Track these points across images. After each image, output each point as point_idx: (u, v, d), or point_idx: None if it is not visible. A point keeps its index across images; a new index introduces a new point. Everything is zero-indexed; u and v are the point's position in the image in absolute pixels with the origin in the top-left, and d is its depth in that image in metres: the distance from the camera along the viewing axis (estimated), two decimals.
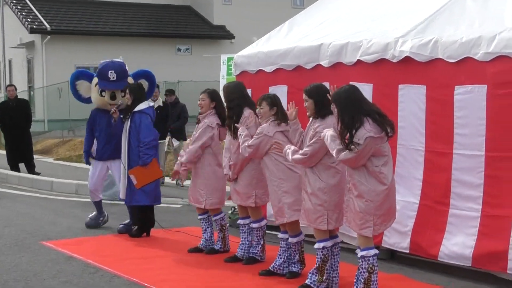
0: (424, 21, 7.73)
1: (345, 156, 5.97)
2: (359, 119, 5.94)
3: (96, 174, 9.94)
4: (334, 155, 6.09)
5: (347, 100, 6.04)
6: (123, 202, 9.77)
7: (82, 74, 10.13)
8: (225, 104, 7.96)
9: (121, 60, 9.99)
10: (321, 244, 6.62)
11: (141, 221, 9.40)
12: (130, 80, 9.81)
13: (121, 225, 9.79)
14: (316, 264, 6.66)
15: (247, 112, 7.59)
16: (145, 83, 10.05)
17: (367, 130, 5.90)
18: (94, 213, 10.21)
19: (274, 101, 7.19)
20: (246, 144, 7.19)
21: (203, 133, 8.14)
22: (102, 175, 10.01)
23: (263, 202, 7.82)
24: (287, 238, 7.25)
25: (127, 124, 9.16)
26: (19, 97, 17.37)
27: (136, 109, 9.11)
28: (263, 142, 7.10)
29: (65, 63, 27.40)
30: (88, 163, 10.15)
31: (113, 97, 9.66)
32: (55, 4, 30.95)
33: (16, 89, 17.14)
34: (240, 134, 7.35)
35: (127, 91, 9.22)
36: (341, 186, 6.45)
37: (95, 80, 9.82)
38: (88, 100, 10.08)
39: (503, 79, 6.65)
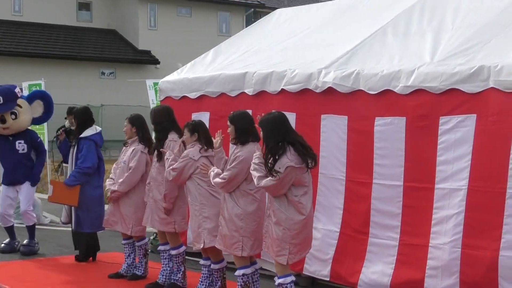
0: (346, 54, 7.92)
1: (265, 183, 6.07)
2: (282, 147, 6.05)
3: (5, 198, 9.78)
4: (256, 182, 6.17)
5: (273, 126, 6.18)
6: (43, 227, 9.62)
7: None
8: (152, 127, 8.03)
9: (16, 87, 9.84)
10: (241, 271, 6.67)
11: (87, 247, 9.25)
12: (21, 101, 9.70)
13: (3, 244, 9.77)
14: None
15: (172, 136, 7.63)
16: (40, 104, 10.00)
17: (289, 159, 6.00)
18: (8, 239, 9.95)
19: (194, 128, 7.24)
20: (171, 168, 7.20)
21: (140, 161, 8.13)
22: (12, 200, 9.83)
23: (181, 229, 7.84)
24: (209, 265, 7.27)
25: (73, 150, 9.06)
26: None
27: (83, 135, 8.99)
28: (188, 165, 7.13)
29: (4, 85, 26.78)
30: None
31: (3, 120, 9.56)
32: None
33: None
34: (166, 158, 7.35)
35: (72, 116, 9.12)
36: (259, 214, 6.53)
37: None
38: None
39: (421, 112, 6.86)
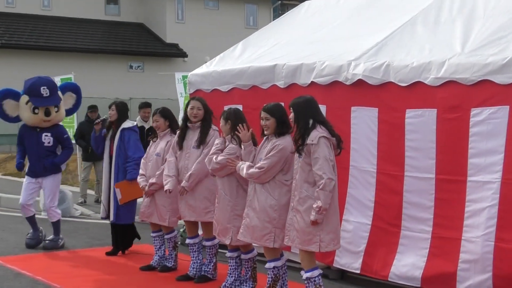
0: (376, 45, 7.88)
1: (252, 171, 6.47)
2: (313, 125, 6.17)
3: (27, 189, 9.78)
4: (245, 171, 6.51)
5: (305, 107, 6.28)
6: (74, 219, 9.66)
7: (8, 93, 9.87)
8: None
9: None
10: (272, 264, 6.67)
11: (120, 239, 9.30)
12: (60, 94, 9.79)
13: (27, 239, 9.78)
14: (267, 283, 6.71)
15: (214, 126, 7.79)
16: (72, 96, 10.06)
17: (319, 132, 6.13)
18: (31, 232, 9.92)
19: (227, 116, 7.17)
20: (215, 159, 7.10)
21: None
22: (34, 191, 9.81)
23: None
24: (236, 256, 7.27)
25: (115, 141, 9.05)
26: None
27: (125, 126, 9.03)
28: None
29: (15, 77, 26.91)
30: (20, 169, 10.01)
31: (47, 113, 9.58)
32: (6, 18, 30.59)
33: None
34: (216, 144, 7.27)
35: (113, 107, 9.12)
36: (289, 205, 6.50)
37: (25, 98, 9.64)
38: (15, 119, 9.89)
39: (452, 104, 6.81)
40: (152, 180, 8.19)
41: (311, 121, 6.22)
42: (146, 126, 11.93)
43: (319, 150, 6.08)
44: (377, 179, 7.47)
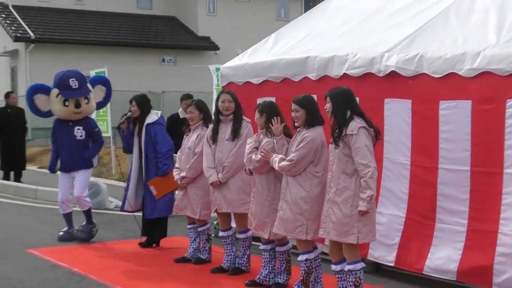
0: (409, 36, 7.83)
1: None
2: (351, 116, 6.19)
3: (63, 185, 9.89)
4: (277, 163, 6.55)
5: (343, 98, 6.29)
6: (108, 211, 9.73)
7: (39, 88, 10.00)
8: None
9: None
10: (305, 256, 6.68)
11: (157, 232, 9.37)
12: (89, 86, 9.88)
13: (61, 233, 9.89)
14: (301, 276, 6.72)
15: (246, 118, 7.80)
16: (102, 89, 10.12)
17: (358, 122, 6.15)
18: (66, 227, 10.01)
19: (262, 109, 7.15)
20: (254, 157, 7.05)
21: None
22: (70, 185, 9.89)
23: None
24: (270, 249, 7.28)
25: (142, 137, 9.08)
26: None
27: (149, 121, 9.06)
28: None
29: (49, 71, 27.01)
30: (52, 171, 10.22)
31: (77, 105, 9.68)
32: (39, 12, 30.89)
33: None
34: (249, 142, 7.26)
35: (133, 102, 9.15)
36: (323, 198, 6.49)
37: (55, 91, 9.75)
38: (47, 114, 10.01)
39: (487, 95, 6.74)
40: (183, 174, 8.24)
41: (348, 112, 6.22)
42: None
43: (359, 140, 6.08)
44: (411, 171, 7.43)
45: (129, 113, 9.18)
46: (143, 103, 9.20)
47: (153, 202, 9.07)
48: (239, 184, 7.69)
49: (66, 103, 9.67)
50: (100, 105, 10.49)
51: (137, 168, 9.22)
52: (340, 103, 6.26)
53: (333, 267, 6.41)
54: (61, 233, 9.98)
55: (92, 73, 17.50)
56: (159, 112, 9.32)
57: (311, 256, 6.70)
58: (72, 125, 9.80)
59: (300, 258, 6.70)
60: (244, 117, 7.82)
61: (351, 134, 6.10)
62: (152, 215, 9.14)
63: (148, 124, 9.05)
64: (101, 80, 10.35)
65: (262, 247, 7.35)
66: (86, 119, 9.91)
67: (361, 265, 6.26)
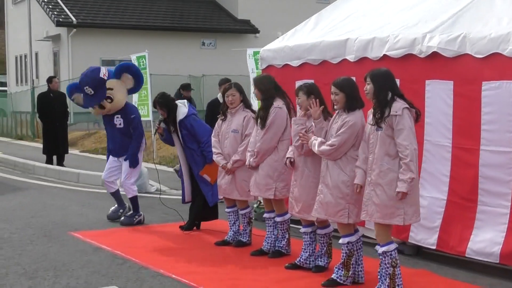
0: (452, 17, 7.71)
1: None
2: (393, 98, 6.16)
3: (109, 165, 10.05)
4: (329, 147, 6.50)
5: (385, 80, 6.25)
6: (149, 195, 9.76)
7: (73, 89, 10.12)
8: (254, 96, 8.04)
9: (101, 69, 9.88)
10: (346, 239, 6.66)
11: (200, 216, 9.43)
12: (111, 83, 9.72)
13: (110, 212, 10.10)
14: (342, 259, 6.70)
15: (277, 103, 7.72)
16: (128, 77, 9.99)
17: (402, 103, 6.12)
18: (115, 206, 10.24)
19: (309, 90, 7.12)
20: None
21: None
22: (115, 168, 10.01)
23: (283, 196, 7.79)
24: (310, 232, 7.27)
25: (178, 133, 9.12)
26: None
27: (181, 117, 9.04)
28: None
29: (91, 56, 27.59)
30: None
31: (101, 106, 9.78)
32: None
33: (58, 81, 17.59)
34: (298, 124, 7.14)
35: (157, 106, 9.15)
36: (364, 181, 6.44)
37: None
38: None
39: None
40: (236, 157, 8.15)
41: (390, 94, 6.17)
42: None
43: (403, 121, 6.04)
44: (452, 153, 7.34)
45: (160, 117, 9.24)
46: (166, 102, 9.18)
47: (210, 189, 9.14)
48: (266, 170, 7.70)
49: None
50: (133, 90, 10.42)
51: (185, 162, 9.29)
52: (381, 84, 6.21)
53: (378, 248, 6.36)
54: (110, 211, 10.23)
55: (134, 58, 17.58)
56: (185, 102, 9.33)
57: (352, 239, 6.67)
58: (112, 114, 9.90)
59: (341, 241, 6.68)
60: (275, 101, 7.75)
61: (394, 115, 6.05)
62: (213, 200, 9.22)
63: (181, 120, 9.06)
64: (125, 68, 10.09)
65: (302, 229, 7.34)
66: (124, 107, 9.92)
67: (394, 245, 6.24)
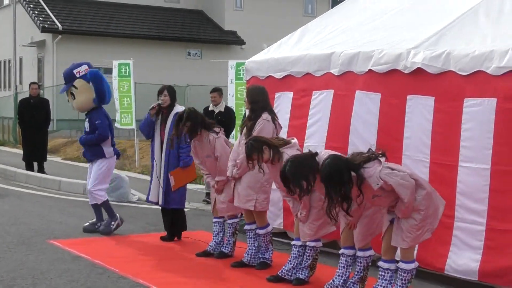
0: (436, 34, 7.76)
1: None
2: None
3: (88, 175, 9.98)
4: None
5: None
6: (131, 204, 9.73)
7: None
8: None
9: (82, 65, 9.87)
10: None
11: (175, 224, 9.37)
12: (78, 82, 9.71)
13: (87, 223, 9.95)
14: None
15: (266, 116, 7.73)
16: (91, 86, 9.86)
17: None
18: (94, 220, 10.04)
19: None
20: None
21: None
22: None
23: (263, 208, 7.80)
24: (300, 246, 7.24)
25: (167, 126, 9.06)
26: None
27: (179, 110, 8.96)
28: None
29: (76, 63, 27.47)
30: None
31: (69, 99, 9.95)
32: (67, 4, 31.09)
33: (39, 88, 17.39)
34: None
35: (165, 92, 9.09)
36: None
37: None
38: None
39: None
40: (217, 178, 8.21)
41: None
42: (216, 110, 12.13)
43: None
44: (430, 169, 7.36)
45: (160, 101, 9.11)
46: (174, 94, 9.22)
47: (169, 193, 9.09)
48: (250, 181, 7.69)
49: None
50: (101, 100, 9.93)
51: (159, 158, 9.18)
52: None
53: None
54: (86, 224, 10.03)
55: (115, 63, 17.56)
56: (182, 107, 9.32)
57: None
58: (86, 117, 9.91)
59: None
60: (263, 114, 7.76)
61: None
62: (166, 205, 9.17)
63: (178, 113, 9.01)
64: (93, 78, 9.82)
65: (293, 242, 7.32)
66: (94, 110, 9.79)
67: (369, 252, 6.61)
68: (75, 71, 9.76)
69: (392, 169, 6.04)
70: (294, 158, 6.51)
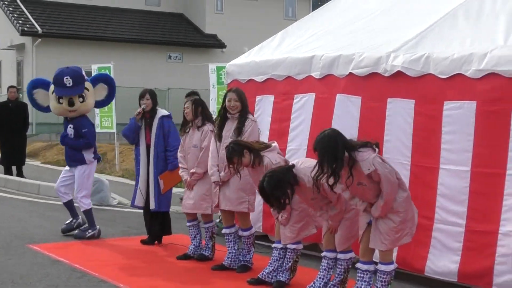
0: (415, 37, 7.79)
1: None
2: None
3: (61, 175, 9.89)
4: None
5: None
6: (111, 208, 9.68)
7: (38, 83, 9.96)
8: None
9: (82, 69, 9.85)
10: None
11: (156, 228, 9.31)
12: (88, 84, 9.72)
13: (64, 225, 9.88)
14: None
15: (252, 117, 7.82)
16: (104, 87, 9.97)
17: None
18: (69, 219, 9.98)
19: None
20: None
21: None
22: (66, 178, 9.79)
23: (253, 209, 7.85)
24: (280, 248, 7.22)
25: (153, 129, 9.01)
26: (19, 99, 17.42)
27: (164, 113, 8.99)
28: None
29: (55, 66, 26.73)
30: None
31: (71, 103, 9.54)
32: (47, 7, 30.92)
33: (17, 91, 17.22)
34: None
35: (147, 96, 9.02)
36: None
37: (52, 87, 9.69)
38: (47, 109, 9.94)
39: (492, 96, 6.71)
40: (193, 170, 8.17)
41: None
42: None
43: None
44: (411, 171, 7.39)
45: (143, 105, 9.04)
46: (155, 97, 9.15)
47: (159, 196, 9.05)
48: (238, 183, 7.66)
49: (61, 101, 9.59)
50: (102, 104, 10.37)
51: (146, 163, 9.11)
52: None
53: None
54: (63, 226, 9.97)
55: (95, 68, 17.43)
56: (164, 110, 9.30)
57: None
58: (67, 122, 9.75)
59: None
60: (249, 115, 7.77)
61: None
62: (158, 209, 9.11)
63: (163, 117, 9.01)
64: (104, 79, 10.13)
65: (275, 245, 7.31)
66: (79, 118, 9.72)
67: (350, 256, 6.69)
68: (83, 73, 9.68)
69: (384, 161, 6.08)
70: (272, 173, 6.52)
